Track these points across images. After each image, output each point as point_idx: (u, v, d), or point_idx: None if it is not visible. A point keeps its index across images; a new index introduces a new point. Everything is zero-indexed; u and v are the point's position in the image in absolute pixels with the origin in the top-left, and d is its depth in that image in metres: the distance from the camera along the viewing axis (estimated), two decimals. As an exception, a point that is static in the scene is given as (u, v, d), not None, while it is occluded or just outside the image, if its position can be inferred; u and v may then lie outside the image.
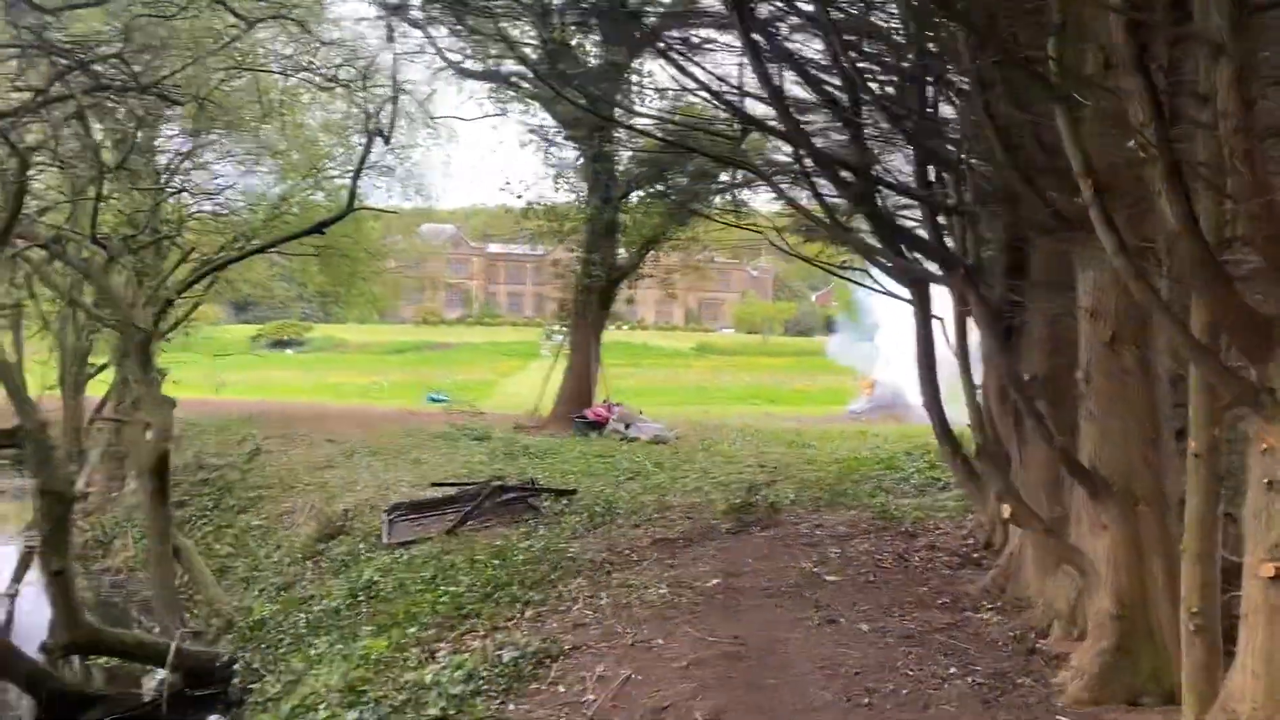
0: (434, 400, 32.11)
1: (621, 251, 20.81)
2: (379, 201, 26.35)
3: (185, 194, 19.92)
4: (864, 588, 7.25)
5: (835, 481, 12.63)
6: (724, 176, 17.37)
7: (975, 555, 8.30)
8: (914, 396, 31.04)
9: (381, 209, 19.87)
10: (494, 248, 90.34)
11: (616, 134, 19.56)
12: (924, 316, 9.29)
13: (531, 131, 20.67)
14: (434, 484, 12.61)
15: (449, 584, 7.97)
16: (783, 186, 13.94)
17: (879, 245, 8.83)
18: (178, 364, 21.50)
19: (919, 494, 11.64)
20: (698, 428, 21.33)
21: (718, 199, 18.99)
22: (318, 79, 12.62)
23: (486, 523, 10.61)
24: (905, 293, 12.87)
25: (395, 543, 10.26)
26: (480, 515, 10.62)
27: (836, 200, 11.55)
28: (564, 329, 22.48)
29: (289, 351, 65.02)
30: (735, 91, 9.67)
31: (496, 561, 8.36)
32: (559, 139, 20.54)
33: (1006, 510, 6.77)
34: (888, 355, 34.66)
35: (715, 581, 7.42)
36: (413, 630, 7.06)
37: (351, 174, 12.41)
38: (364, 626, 7.91)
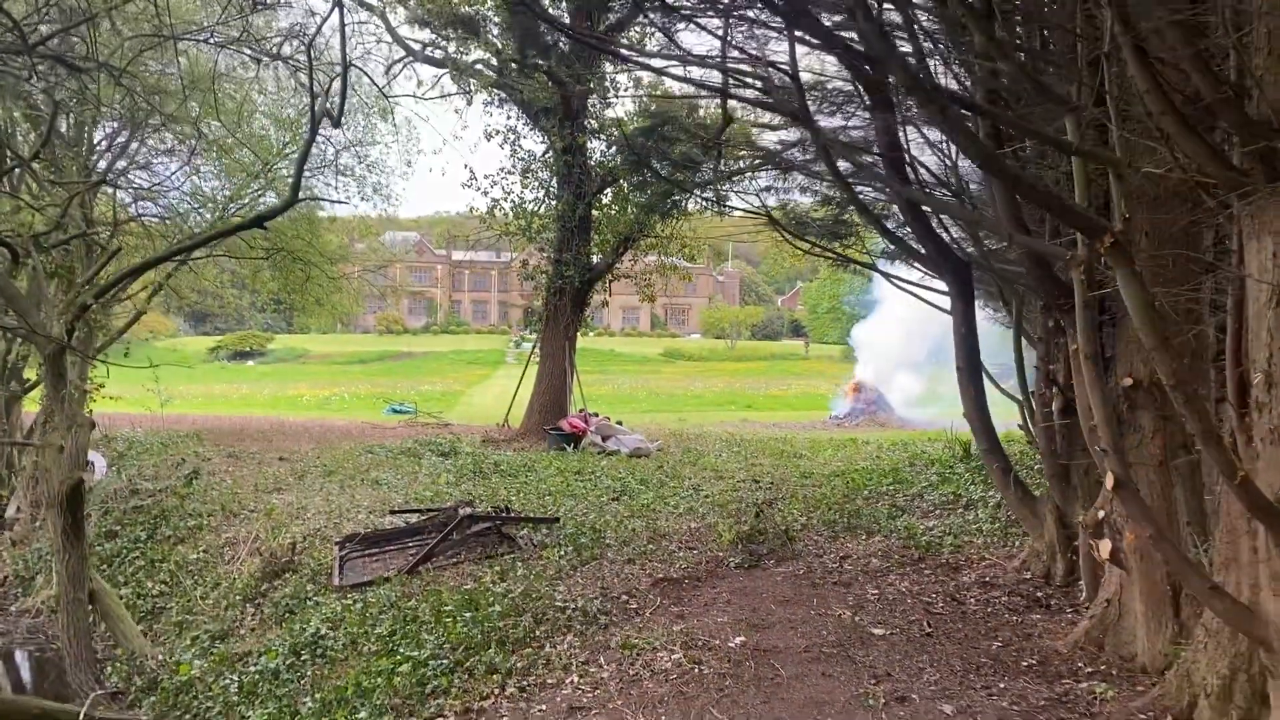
0: (395, 411, 30.70)
1: (595, 257, 19.39)
2: (340, 208, 24.84)
3: (119, 192, 18.46)
4: (923, 644, 5.88)
5: (843, 499, 11.32)
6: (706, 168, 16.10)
7: (1040, 594, 6.97)
8: (895, 399, 30.05)
9: (329, 199, 18.30)
10: (458, 255, 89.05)
11: (589, 123, 18.22)
12: (966, 311, 8.00)
13: (489, 96, 19.15)
14: (393, 511, 11.13)
15: (410, 645, 6.50)
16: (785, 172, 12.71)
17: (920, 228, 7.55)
18: (117, 377, 19.80)
19: (942, 514, 10.35)
20: (678, 438, 20.03)
21: (693, 199, 17.76)
22: (254, 53, 11.03)
23: (454, 558, 9.14)
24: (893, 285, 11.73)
25: (348, 585, 8.76)
26: (447, 550, 9.15)
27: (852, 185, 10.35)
28: (534, 334, 21.00)
29: (250, 363, 63.89)
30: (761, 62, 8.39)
31: (467, 613, 6.88)
32: (526, 131, 19.13)
33: (1104, 549, 5.44)
34: (868, 356, 33.69)
35: (739, 640, 6.00)
36: (363, 715, 5.60)
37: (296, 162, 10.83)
38: (306, 698, 6.44)
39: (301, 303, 25.33)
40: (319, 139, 22.02)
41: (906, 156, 8.01)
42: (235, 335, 69.02)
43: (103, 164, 18.06)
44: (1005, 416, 9.34)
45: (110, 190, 17.83)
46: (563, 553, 8.81)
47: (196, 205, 20.62)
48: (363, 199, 23.19)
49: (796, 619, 6.50)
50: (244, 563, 11.00)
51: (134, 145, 18.21)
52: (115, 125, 17.53)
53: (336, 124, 10.94)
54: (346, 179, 22.21)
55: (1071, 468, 7.43)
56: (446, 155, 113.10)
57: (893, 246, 14.11)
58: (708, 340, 79.71)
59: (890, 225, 9.61)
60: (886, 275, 11.93)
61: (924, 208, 7.91)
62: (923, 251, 8.00)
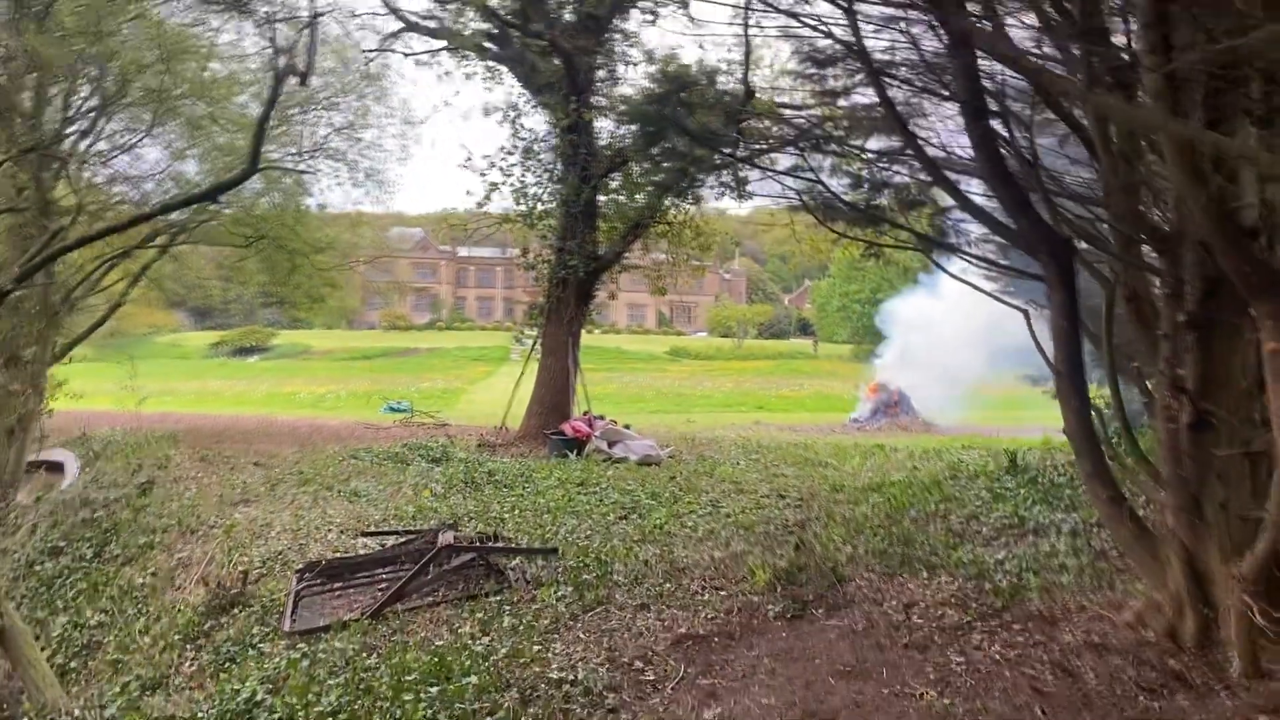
0: (393, 410, 29.30)
1: (602, 247, 17.76)
2: (338, 200, 23.38)
3: (97, 178, 17.02)
4: (1047, 748, 4.31)
5: (887, 521, 9.76)
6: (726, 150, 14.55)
7: (1174, 665, 5.38)
8: (919, 402, 28.48)
9: (291, 169, 16.76)
10: (463, 251, 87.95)
11: (596, 100, 16.67)
12: (1066, 300, 6.42)
13: (488, 70, 17.55)
14: (365, 533, 9.58)
15: (356, 732, 4.94)
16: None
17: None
18: (101, 375, 18.43)
19: (1007, 542, 8.75)
20: (689, 442, 18.50)
21: (710, 182, 16.24)
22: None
23: (431, 594, 7.58)
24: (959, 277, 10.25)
25: (299, 630, 7.19)
26: (423, 587, 7.58)
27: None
28: (534, 330, 19.38)
29: (252, 359, 62.97)
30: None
31: (434, 684, 5.31)
32: (528, 108, 17.55)
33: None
34: (890, 357, 32.12)
35: (798, 742, 4.44)
36: None
37: (258, 122, 9.19)
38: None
39: (291, 296, 23.84)
40: (309, 122, 20.60)
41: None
42: (238, 330, 68.08)
43: (81, 145, 16.55)
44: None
45: (75, 172, 16.30)
46: (561, 593, 7.20)
47: (179, 191, 19.08)
48: (355, 185, 21.75)
49: (866, 701, 4.92)
50: (191, 592, 9.47)
51: (104, 123, 16.68)
52: (81, 96, 15.98)
53: (304, 81, 9.46)
54: (338, 164, 20.79)
55: (1204, 500, 5.87)
56: (438, 125, 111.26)
57: (939, 233, 12.57)
58: (714, 338, 78.46)
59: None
60: (937, 247, 10.39)
61: (1013, 175, 6.35)
62: (1013, 228, 6.42)
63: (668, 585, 7.43)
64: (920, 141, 10.37)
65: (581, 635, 6.32)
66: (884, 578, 7.57)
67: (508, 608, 6.98)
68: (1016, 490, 10.97)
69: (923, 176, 10.24)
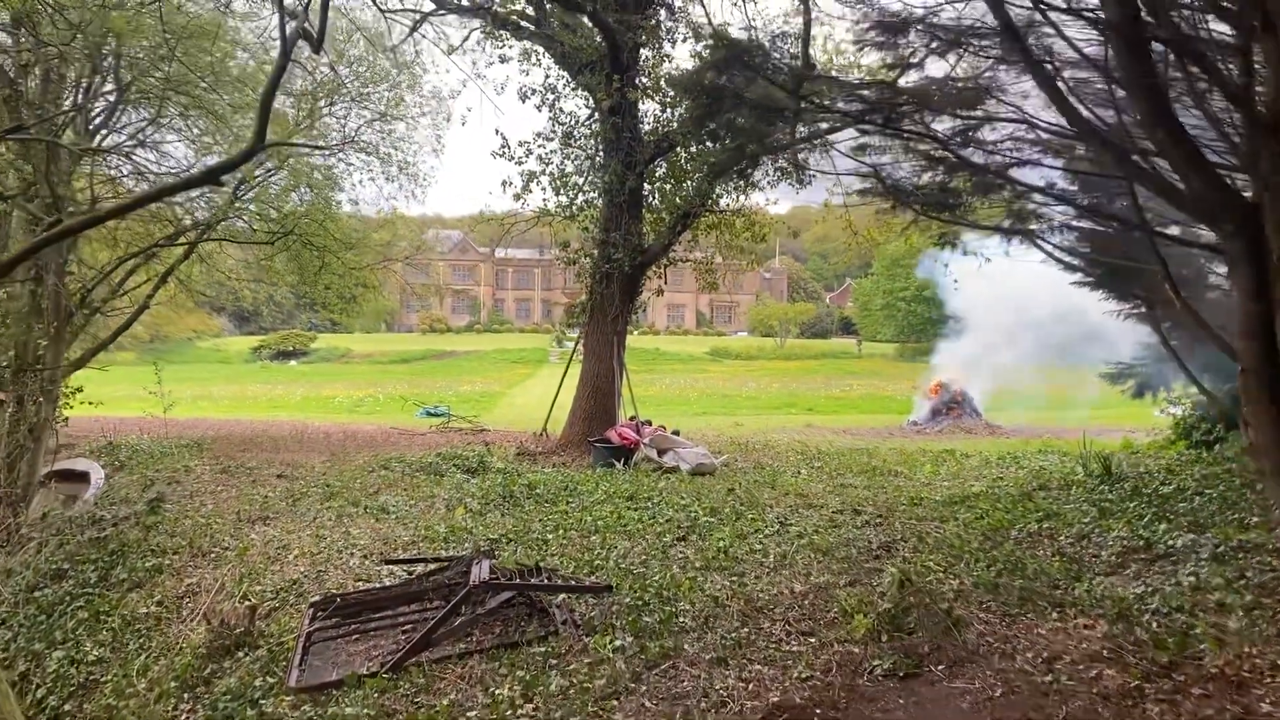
0: (430, 414, 28.35)
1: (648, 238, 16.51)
2: (371, 196, 22.46)
3: (117, 172, 16.19)
4: None
5: (986, 544, 8.45)
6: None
7: None
8: (981, 402, 26.97)
9: (305, 144, 15.69)
10: (501, 252, 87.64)
11: (641, 80, 15.44)
12: (1257, 277, 5.11)
13: (525, 51, 16.38)
14: (388, 561, 8.40)
15: None
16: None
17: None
18: (131, 378, 17.62)
19: (1138, 570, 7.42)
20: (741, 448, 17.29)
21: (767, 167, 14.96)
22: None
23: (464, 641, 6.39)
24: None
25: (307, 685, 6.03)
26: (454, 631, 6.38)
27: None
28: (575, 331, 18.16)
29: (292, 363, 62.94)
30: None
31: (465, 780, 4.15)
32: (568, 91, 16.34)
33: None
34: (952, 353, 30.67)
35: None
36: None
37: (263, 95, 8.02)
38: None
39: (322, 296, 22.88)
40: (336, 113, 19.64)
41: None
42: (278, 335, 68.17)
43: (96, 140, 15.61)
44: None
45: (93, 165, 15.39)
46: (619, 643, 5.97)
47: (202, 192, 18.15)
48: (388, 179, 20.77)
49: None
50: (194, 629, 8.36)
51: (120, 114, 15.74)
52: (92, 80, 15.04)
53: (317, 48, 8.31)
54: (369, 157, 19.82)
55: None
56: (471, 113, 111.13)
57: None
58: (755, 338, 77.41)
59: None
60: (1025, 234, 9.07)
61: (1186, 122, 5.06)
62: (1183, 189, 5.13)
63: (745, 630, 6.17)
64: (1009, 111, 9.15)
65: (648, 704, 5.07)
66: (1005, 620, 6.27)
67: (554, 661, 5.76)
68: (1122, 504, 9.66)
69: (1001, 156, 9.13)
